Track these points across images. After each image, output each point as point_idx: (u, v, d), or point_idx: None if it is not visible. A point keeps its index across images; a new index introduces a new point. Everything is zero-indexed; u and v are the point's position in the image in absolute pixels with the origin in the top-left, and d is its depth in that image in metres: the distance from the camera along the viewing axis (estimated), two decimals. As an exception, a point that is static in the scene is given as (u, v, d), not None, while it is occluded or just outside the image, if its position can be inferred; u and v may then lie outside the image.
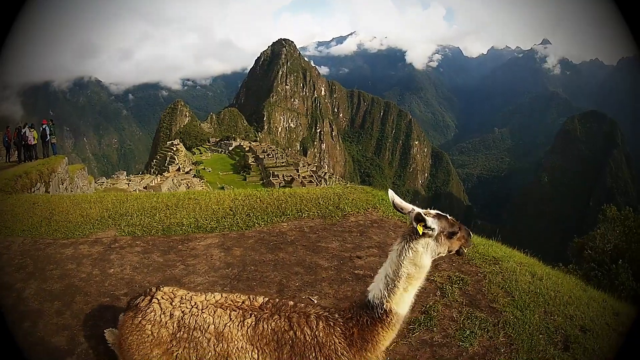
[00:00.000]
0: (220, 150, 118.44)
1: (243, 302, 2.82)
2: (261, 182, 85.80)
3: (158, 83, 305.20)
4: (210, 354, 2.65)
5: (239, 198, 8.56)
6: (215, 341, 2.66)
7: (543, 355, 3.84)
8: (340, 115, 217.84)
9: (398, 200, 2.69)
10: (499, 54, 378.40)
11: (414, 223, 2.54)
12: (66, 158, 21.13)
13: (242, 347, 2.64)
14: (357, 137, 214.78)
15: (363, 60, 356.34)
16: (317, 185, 67.15)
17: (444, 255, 2.67)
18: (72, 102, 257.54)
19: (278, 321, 2.68)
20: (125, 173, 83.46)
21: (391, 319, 2.60)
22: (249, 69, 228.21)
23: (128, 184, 62.21)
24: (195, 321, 2.72)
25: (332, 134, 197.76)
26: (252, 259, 5.90)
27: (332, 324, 2.65)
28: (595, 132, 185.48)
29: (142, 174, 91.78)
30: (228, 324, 2.69)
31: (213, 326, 2.69)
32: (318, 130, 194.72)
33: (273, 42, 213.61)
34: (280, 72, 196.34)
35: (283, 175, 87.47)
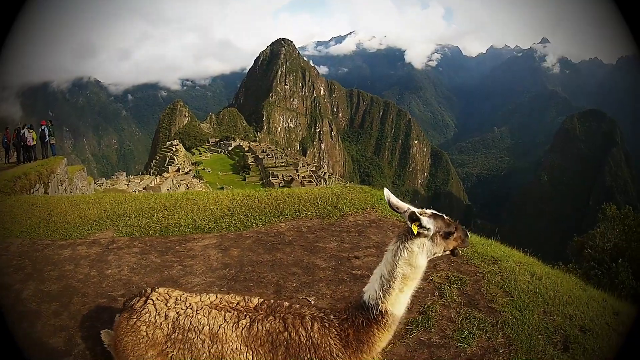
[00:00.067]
0: (219, 150, 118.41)
1: (238, 303, 2.80)
2: (261, 182, 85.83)
3: (157, 83, 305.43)
4: (204, 355, 2.64)
5: (237, 198, 8.56)
6: (210, 342, 2.64)
7: (542, 356, 3.81)
8: (340, 115, 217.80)
9: (394, 200, 2.65)
10: (498, 53, 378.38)
11: (409, 223, 2.50)
12: (65, 159, 21.12)
13: (236, 348, 2.63)
14: (356, 136, 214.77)
15: (362, 59, 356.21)
16: (316, 185, 67.18)
17: (439, 255, 2.63)
18: (71, 102, 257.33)
19: (273, 322, 2.66)
20: (124, 174, 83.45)
21: (387, 320, 2.57)
22: (248, 69, 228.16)
23: (127, 184, 62.14)
24: (190, 322, 2.70)
25: (331, 133, 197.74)
26: (249, 259, 5.89)
27: (327, 325, 2.62)
28: (594, 131, 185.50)
29: (141, 174, 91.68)
30: (222, 325, 2.68)
31: (207, 327, 2.68)
32: (317, 130, 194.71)
33: (272, 42, 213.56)
34: (279, 72, 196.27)
35: (282, 176, 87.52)
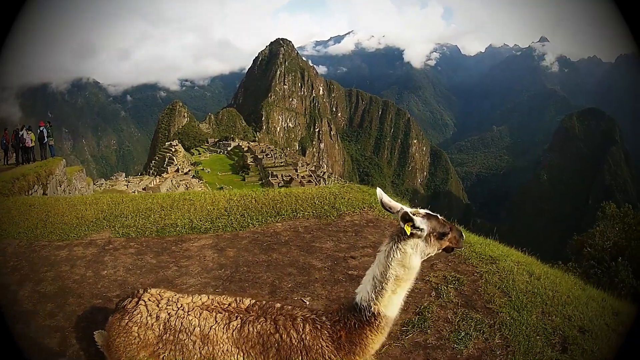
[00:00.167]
0: (218, 150, 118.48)
1: (229, 305, 2.78)
2: (260, 182, 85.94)
3: (156, 84, 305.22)
4: (196, 356, 2.62)
5: (234, 198, 8.54)
6: (201, 344, 2.63)
7: (540, 358, 3.76)
8: (339, 114, 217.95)
9: (386, 199, 2.60)
10: (497, 52, 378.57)
11: (402, 223, 2.45)
12: (64, 160, 21.10)
13: (227, 350, 2.61)
14: (355, 136, 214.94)
15: (361, 59, 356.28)
16: (316, 184, 67.18)
17: (433, 255, 2.58)
18: (70, 103, 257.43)
19: (264, 324, 2.63)
20: (124, 174, 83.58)
21: (380, 322, 2.53)
22: (247, 69, 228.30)
23: (127, 185, 62.08)
24: (181, 323, 2.69)
25: (330, 133, 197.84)
26: (245, 259, 5.85)
27: (319, 326, 2.59)
28: (593, 130, 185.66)
29: (140, 175, 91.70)
30: (213, 327, 2.66)
31: (199, 329, 2.66)
32: (316, 130, 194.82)
33: (271, 42, 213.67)
34: (278, 72, 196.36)
35: (282, 175, 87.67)
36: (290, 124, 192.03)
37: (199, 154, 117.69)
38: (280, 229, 6.93)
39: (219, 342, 2.61)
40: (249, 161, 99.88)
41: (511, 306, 4.44)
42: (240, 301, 2.81)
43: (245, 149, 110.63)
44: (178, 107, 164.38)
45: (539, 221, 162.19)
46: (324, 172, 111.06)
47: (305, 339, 2.55)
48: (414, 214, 2.46)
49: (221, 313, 2.72)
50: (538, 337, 3.99)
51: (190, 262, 5.88)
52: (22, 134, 18.68)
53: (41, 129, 19.68)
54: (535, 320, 4.23)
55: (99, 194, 16.59)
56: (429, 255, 2.56)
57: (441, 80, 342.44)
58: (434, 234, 2.51)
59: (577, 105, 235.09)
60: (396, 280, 2.49)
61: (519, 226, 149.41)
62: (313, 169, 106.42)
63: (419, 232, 2.47)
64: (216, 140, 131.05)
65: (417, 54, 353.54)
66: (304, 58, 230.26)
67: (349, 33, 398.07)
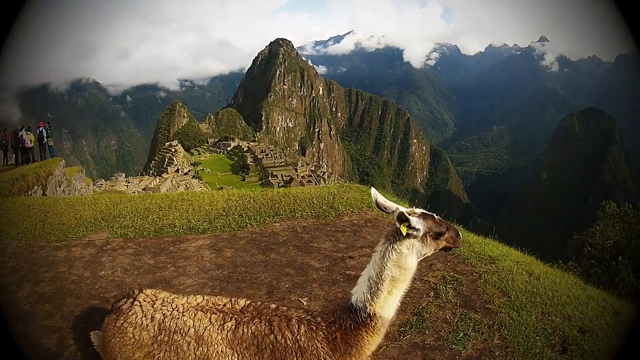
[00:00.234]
0: (218, 150, 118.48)
1: (224, 305, 2.76)
2: (260, 182, 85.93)
3: (156, 84, 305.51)
4: (190, 357, 2.61)
5: (233, 198, 8.52)
6: (195, 345, 2.61)
7: (540, 358, 3.71)
8: (339, 114, 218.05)
9: (381, 199, 2.57)
10: (496, 51, 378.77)
11: (397, 223, 2.41)
12: (63, 160, 21.10)
13: (221, 351, 2.58)
14: (355, 136, 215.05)
15: (361, 59, 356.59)
16: (316, 184, 67.18)
17: (430, 255, 2.55)
18: (70, 104, 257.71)
19: (258, 325, 2.61)
20: (124, 175, 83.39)
21: (375, 323, 2.49)
22: (247, 69, 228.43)
23: (127, 185, 62.06)
24: (176, 324, 2.67)
25: (330, 133, 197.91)
26: (242, 260, 5.83)
27: (314, 327, 2.56)
28: (593, 129, 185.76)
29: (140, 175, 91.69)
30: (208, 328, 2.64)
31: (193, 329, 2.64)
32: (316, 130, 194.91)
33: (270, 42, 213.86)
34: (277, 72, 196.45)
35: (282, 175, 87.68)
36: (290, 124, 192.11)
37: (199, 154, 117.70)
38: (278, 229, 6.91)
39: (213, 343, 2.59)
40: (248, 161, 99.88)
41: (510, 306, 4.40)
42: (235, 302, 2.79)
43: (245, 149, 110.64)
44: (178, 107, 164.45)
45: (539, 220, 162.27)
46: (324, 172, 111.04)
47: (300, 340, 2.52)
48: (409, 214, 2.42)
49: (216, 314, 2.70)
50: (537, 338, 3.95)
51: (188, 262, 5.86)
52: (22, 135, 18.70)
53: (40, 129, 19.69)
54: (535, 320, 4.19)
55: (97, 195, 16.58)
56: (425, 256, 2.52)
57: (441, 80, 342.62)
58: (430, 233, 2.47)
59: (577, 104, 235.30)
60: (392, 281, 2.46)
61: (519, 225, 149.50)
62: (313, 168, 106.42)
63: (415, 232, 2.43)
64: (216, 140, 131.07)
65: (417, 53, 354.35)
66: (303, 58, 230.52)
67: (348, 33, 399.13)
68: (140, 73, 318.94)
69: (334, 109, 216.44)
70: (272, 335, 2.56)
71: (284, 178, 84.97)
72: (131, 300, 2.85)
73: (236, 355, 2.58)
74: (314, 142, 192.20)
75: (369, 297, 2.48)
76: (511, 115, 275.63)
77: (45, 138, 19.70)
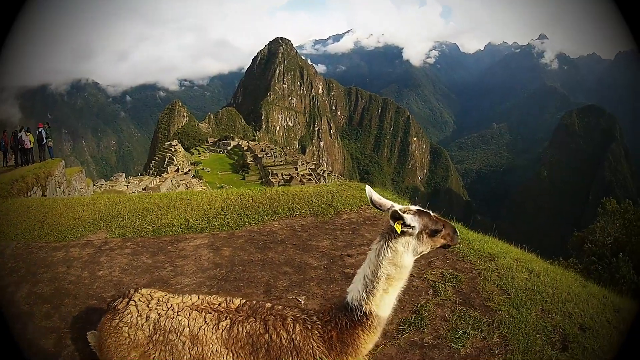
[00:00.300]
0: (218, 150, 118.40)
1: (219, 305, 2.76)
2: (260, 181, 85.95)
3: (155, 84, 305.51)
4: (185, 357, 2.61)
5: (231, 197, 8.51)
6: (190, 344, 2.61)
7: (540, 356, 3.66)
8: (338, 113, 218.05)
9: (376, 197, 2.54)
10: (496, 49, 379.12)
11: (392, 221, 2.38)
12: (63, 161, 21.12)
13: (216, 350, 2.59)
14: (355, 134, 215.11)
15: (360, 57, 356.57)
16: (316, 183, 67.20)
17: (427, 253, 2.51)
18: (69, 104, 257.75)
19: (253, 324, 2.60)
20: (124, 175, 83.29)
21: (371, 322, 2.48)
22: (246, 68, 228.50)
23: (127, 185, 62.00)
24: (171, 324, 2.67)
25: (330, 131, 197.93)
26: (240, 259, 5.81)
27: (309, 327, 2.55)
28: (593, 127, 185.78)
29: (140, 175, 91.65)
30: (203, 327, 2.64)
31: (188, 329, 2.64)
32: (316, 129, 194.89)
33: (270, 41, 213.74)
34: (277, 71, 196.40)
35: (282, 174, 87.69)
36: (289, 123, 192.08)
37: (199, 153, 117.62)
38: (276, 227, 6.89)
39: (208, 343, 2.59)
40: (248, 160, 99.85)
41: (510, 304, 4.35)
42: (230, 301, 2.78)
43: (245, 148, 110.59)
44: (177, 107, 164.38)
45: (539, 218, 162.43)
46: (324, 171, 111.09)
47: (296, 339, 2.51)
48: (404, 212, 2.39)
49: (210, 313, 2.70)
50: (538, 335, 3.90)
51: (186, 261, 5.84)
52: (21, 136, 18.71)
53: (40, 130, 19.71)
54: (535, 318, 4.14)
55: (96, 195, 16.57)
56: (422, 253, 2.50)
57: (440, 78, 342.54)
58: (426, 231, 2.44)
59: (577, 102, 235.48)
60: (388, 279, 2.43)
61: (519, 223, 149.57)
62: (313, 167, 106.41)
63: (410, 230, 2.40)
64: (216, 139, 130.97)
65: (416, 52, 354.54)
66: (303, 57, 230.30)
67: (348, 32, 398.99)
68: (139, 73, 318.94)
69: (333, 108, 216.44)
70: (267, 335, 2.54)
71: (284, 177, 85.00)
72: (127, 300, 2.86)
73: (231, 355, 2.57)
74: (313, 141, 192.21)
75: (365, 295, 2.46)
76: (511, 113, 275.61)
77: (44, 139, 19.74)
